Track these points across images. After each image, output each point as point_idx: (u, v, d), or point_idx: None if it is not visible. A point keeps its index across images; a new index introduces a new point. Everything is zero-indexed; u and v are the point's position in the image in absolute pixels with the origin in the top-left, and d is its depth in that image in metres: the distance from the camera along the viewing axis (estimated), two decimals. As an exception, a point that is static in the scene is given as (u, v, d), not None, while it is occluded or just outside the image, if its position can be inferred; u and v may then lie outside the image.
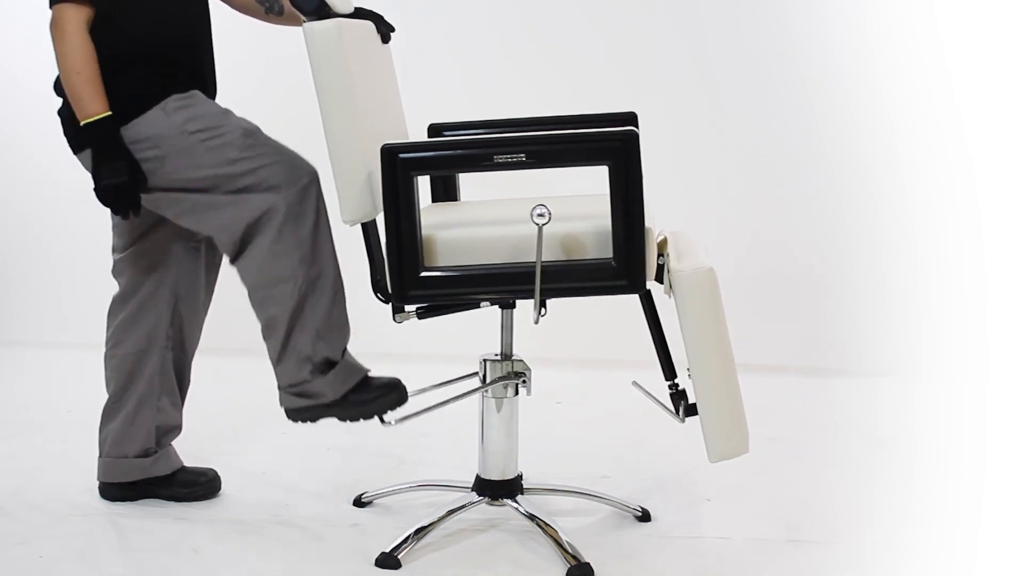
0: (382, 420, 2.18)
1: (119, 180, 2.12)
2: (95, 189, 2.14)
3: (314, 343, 2.17)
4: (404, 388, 2.19)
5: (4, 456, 2.79)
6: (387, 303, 2.07)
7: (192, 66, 2.27)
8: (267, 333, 2.21)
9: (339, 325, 2.21)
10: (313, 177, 2.20)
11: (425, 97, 3.30)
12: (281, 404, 2.25)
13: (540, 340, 3.00)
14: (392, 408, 2.19)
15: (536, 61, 3.72)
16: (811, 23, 3.58)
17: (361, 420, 2.21)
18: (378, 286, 2.07)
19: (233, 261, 2.22)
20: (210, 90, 2.34)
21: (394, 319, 2.10)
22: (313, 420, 2.23)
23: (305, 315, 2.17)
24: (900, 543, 2.23)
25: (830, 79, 3.58)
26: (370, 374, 2.22)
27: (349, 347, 2.24)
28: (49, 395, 3.38)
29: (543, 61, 3.71)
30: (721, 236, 3.58)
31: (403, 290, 1.96)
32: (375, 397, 2.18)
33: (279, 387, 2.23)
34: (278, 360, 2.21)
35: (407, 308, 2.10)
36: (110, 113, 2.12)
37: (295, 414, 2.23)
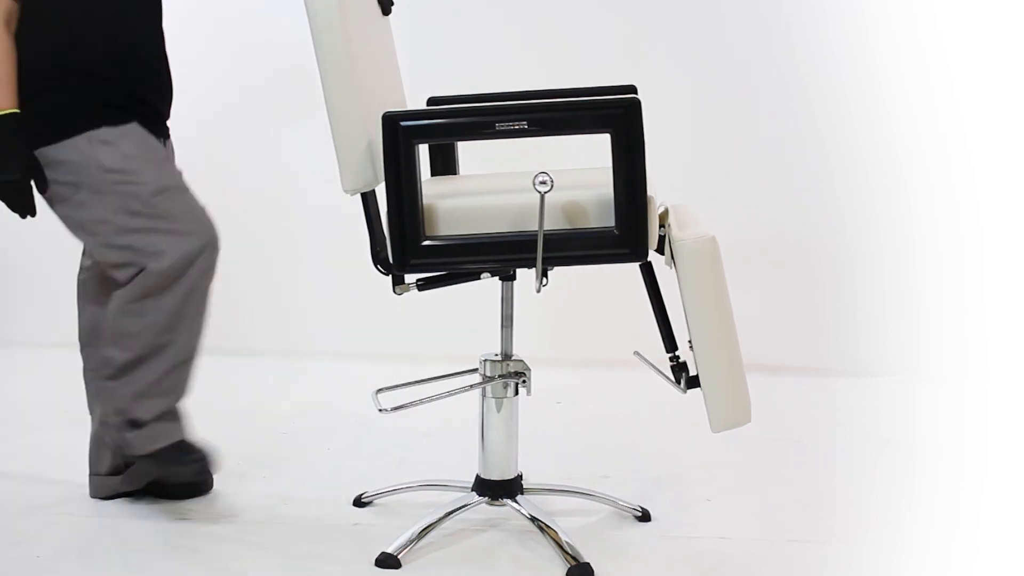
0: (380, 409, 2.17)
1: (9, 177, 2.11)
2: None
3: (132, 401, 2.24)
4: (212, 460, 2.30)
5: (4, 456, 2.79)
6: (387, 275, 2.06)
7: (134, 70, 2.22)
8: (102, 365, 2.28)
9: (168, 390, 2.26)
10: (204, 247, 2.21)
11: (425, 73, 3.29)
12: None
13: (540, 340, 3.00)
14: (193, 477, 2.34)
15: (535, 36, 3.69)
16: (813, 16, 3.58)
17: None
18: (378, 258, 2.05)
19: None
20: (157, 97, 2.30)
21: (394, 291, 2.08)
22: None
23: (135, 376, 2.23)
24: (900, 543, 2.23)
25: (829, 77, 3.58)
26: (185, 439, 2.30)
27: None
28: (49, 395, 3.37)
29: (542, 36, 3.68)
30: (720, 236, 3.57)
31: (404, 259, 1.94)
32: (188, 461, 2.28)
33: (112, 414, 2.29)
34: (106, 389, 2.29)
35: (407, 280, 2.09)
36: (16, 111, 2.09)
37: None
